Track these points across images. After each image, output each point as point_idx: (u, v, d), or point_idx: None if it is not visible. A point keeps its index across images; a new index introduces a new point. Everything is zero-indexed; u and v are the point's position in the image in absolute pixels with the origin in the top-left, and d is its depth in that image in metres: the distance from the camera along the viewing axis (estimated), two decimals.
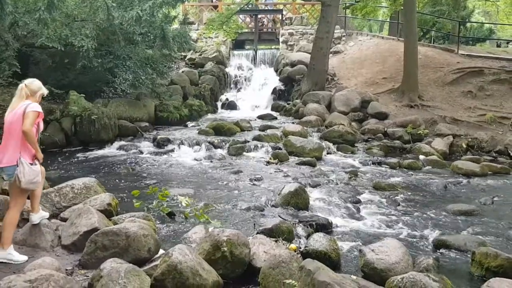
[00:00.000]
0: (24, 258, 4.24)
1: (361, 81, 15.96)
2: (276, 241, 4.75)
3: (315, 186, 7.52)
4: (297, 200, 6.26)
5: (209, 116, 15.31)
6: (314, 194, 6.98)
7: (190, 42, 12.94)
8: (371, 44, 18.79)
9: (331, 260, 4.55)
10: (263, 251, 4.43)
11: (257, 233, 5.07)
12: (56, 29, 9.49)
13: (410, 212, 6.50)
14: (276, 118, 14.36)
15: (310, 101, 13.76)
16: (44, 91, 4.57)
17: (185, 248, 3.82)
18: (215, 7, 21.43)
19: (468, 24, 27.71)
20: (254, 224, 5.34)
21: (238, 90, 18.20)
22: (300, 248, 4.81)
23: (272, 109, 16.11)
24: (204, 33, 19.02)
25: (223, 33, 18.08)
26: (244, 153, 9.99)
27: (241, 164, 9.14)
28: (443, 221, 6.13)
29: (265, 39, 21.36)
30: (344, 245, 5.10)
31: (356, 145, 11.13)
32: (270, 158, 9.48)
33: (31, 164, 4.23)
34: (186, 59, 18.54)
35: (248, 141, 10.59)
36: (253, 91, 17.92)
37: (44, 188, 5.93)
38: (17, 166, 4.14)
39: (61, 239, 4.74)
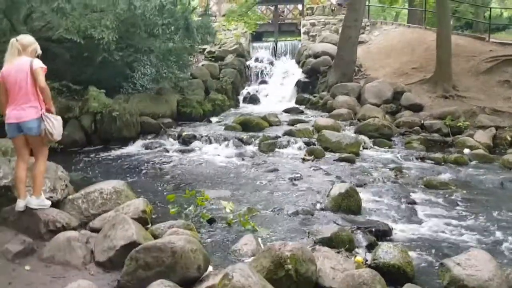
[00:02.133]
0: (48, 203, 4.68)
1: (390, 72, 15.16)
2: (338, 252, 4.09)
3: (361, 185, 6.82)
4: (349, 203, 5.59)
5: (232, 110, 14.67)
6: (363, 195, 6.25)
7: (213, 33, 12.23)
8: (396, 34, 17.94)
9: (407, 275, 3.89)
10: (329, 266, 3.78)
11: (315, 243, 4.41)
12: (74, 20, 8.87)
13: (473, 214, 5.79)
14: (302, 112, 13.64)
15: (339, 93, 13.04)
16: (37, 47, 4.52)
17: (246, 268, 3.18)
18: None
19: (486, 13, 26.71)
20: (308, 233, 4.68)
21: (260, 84, 17.51)
22: (367, 260, 4.14)
23: (297, 103, 15.38)
24: (223, 25, 18.31)
25: (243, 25, 17.38)
26: (276, 149, 9.31)
27: (275, 161, 8.47)
28: None
29: (285, 31, 20.57)
30: (414, 256, 4.41)
31: (392, 139, 10.40)
32: (305, 155, 8.81)
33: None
34: (205, 52, 17.88)
35: (279, 137, 9.92)
36: (275, 84, 17.20)
37: (69, 193, 5.41)
38: (41, 120, 4.36)
39: (94, 254, 4.14)
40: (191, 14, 11.57)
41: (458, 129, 10.66)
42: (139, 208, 4.99)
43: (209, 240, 4.62)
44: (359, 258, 4.12)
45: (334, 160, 8.51)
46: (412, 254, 4.39)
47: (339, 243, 4.40)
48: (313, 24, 19.06)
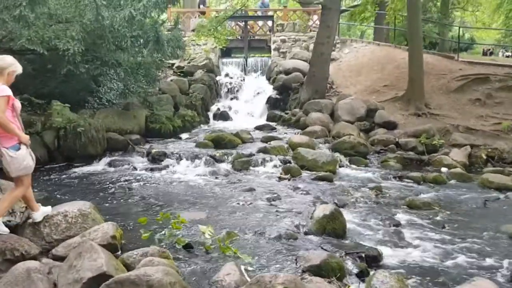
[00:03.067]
0: (6, 230, 4.25)
1: (361, 89, 15.21)
2: (329, 282, 3.79)
3: (342, 206, 6.58)
4: (334, 225, 5.33)
5: (202, 127, 14.30)
6: (345, 216, 5.96)
7: (183, 47, 11.90)
8: (367, 51, 18.11)
9: None
10: None
11: (303, 271, 4.10)
12: (38, 30, 8.36)
13: (461, 236, 5.63)
14: (275, 129, 13.41)
15: (312, 110, 12.91)
16: (17, 68, 4.19)
17: None
18: (203, 13, 20.52)
19: (449, 33, 27.63)
20: (296, 260, 4.36)
21: (230, 100, 17.23)
22: None
23: (268, 119, 15.15)
24: (192, 40, 18.03)
25: (214, 40, 17.12)
26: (251, 167, 9.00)
27: (250, 180, 8.16)
28: (507, 247, 5.27)
29: (255, 47, 20.45)
30: (411, 285, 4.16)
31: (368, 157, 10.29)
32: (281, 173, 8.55)
33: (17, 148, 4.11)
34: (174, 67, 17.48)
35: (254, 154, 9.61)
36: (246, 101, 16.96)
37: (29, 217, 4.90)
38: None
39: (57, 287, 3.67)
40: (161, 26, 11.24)
41: (433, 147, 10.67)
42: (108, 233, 4.56)
43: (187, 269, 4.21)
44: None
45: (311, 179, 8.29)
46: (408, 282, 4.14)
47: (329, 271, 4.10)
48: (283, 41, 19.01)
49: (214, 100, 17.15)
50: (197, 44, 18.68)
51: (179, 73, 17.26)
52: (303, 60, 17.18)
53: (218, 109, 16.45)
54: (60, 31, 9.03)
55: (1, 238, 4.16)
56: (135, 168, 9.04)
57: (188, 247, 4.77)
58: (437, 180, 8.52)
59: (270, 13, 20.46)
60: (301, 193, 7.30)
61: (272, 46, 19.02)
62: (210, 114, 16.26)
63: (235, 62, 19.15)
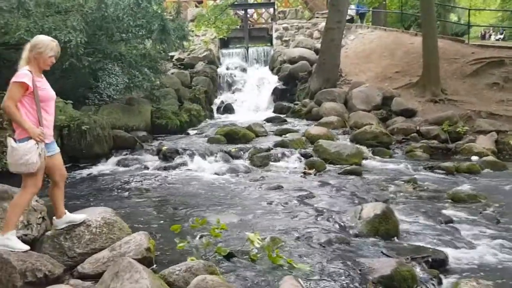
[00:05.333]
0: (24, 247, 3.65)
1: (372, 77, 14.70)
2: None
3: (383, 202, 6.06)
4: (387, 226, 4.81)
5: (208, 121, 13.74)
6: None
7: (188, 37, 11.29)
8: (373, 37, 17.60)
9: None
10: None
11: (373, 283, 3.59)
12: (37, 20, 7.72)
13: None
14: (285, 121, 12.88)
15: (325, 100, 12.40)
16: (43, 49, 3.61)
17: None
18: (200, 2, 19.87)
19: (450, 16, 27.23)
20: (360, 270, 3.83)
21: (233, 92, 16.66)
22: None
23: (275, 111, 14.66)
24: (191, 30, 17.33)
25: (214, 30, 16.51)
26: (271, 162, 8.47)
27: (273, 177, 7.64)
28: None
29: (256, 36, 19.85)
30: None
31: (390, 147, 9.81)
32: (305, 168, 8.02)
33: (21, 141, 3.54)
34: (173, 60, 16.86)
35: (272, 148, 9.08)
36: (250, 93, 16.43)
37: (46, 229, 4.34)
38: None
39: None
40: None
41: (457, 135, 10.23)
42: (142, 245, 3.99)
43: (238, 285, 3.67)
44: None
45: (338, 173, 7.80)
46: None
47: (401, 281, 3.61)
48: (286, 29, 18.45)
49: (217, 92, 16.60)
50: (196, 35, 18.02)
51: (179, 66, 16.66)
52: (308, 48, 16.67)
53: (222, 102, 15.93)
54: (60, 21, 8.40)
55: (20, 256, 3.58)
56: (146, 167, 8.49)
57: (230, 256, 4.22)
58: (471, 170, 8.05)
59: (271, 0, 19.80)
60: (333, 190, 6.78)
61: (274, 35, 18.46)
62: (214, 107, 15.73)
63: (236, 53, 18.58)
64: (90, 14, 8.66)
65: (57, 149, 3.91)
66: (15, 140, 3.59)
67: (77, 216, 4.10)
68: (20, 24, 7.51)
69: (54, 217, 4.05)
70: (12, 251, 3.57)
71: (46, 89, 3.68)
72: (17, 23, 7.66)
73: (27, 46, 3.67)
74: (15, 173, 3.64)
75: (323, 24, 15.36)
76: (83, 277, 3.79)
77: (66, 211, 4.05)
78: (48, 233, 4.17)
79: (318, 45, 15.94)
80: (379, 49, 16.38)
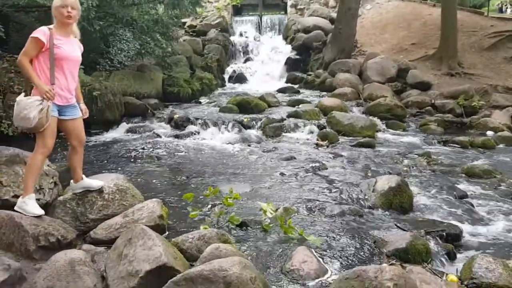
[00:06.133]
0: (39, 212, 3.59)
1: (387, 48, 14.38)
2: (433, 273, 3.23)
3: (397, 175, 5.98)
4: (401, 199, 4.74)
5: (220, 90, 13.60)
6: None
7: (202, 3, 11.04)
8: (390, 7, 17.14)
9: None
10: None
11: (387, 256, 3.54)
12: None
13: None
14: (298, 92, 12.70)
15: (339, 71, 12.17)
16: (61, 1, 3.51)
17: None
18: None
19: None
20: (374, 242, 3.78)
21: (246, 61, 16.41)
22: (461, 280, 3.29)
23: (288, 81, 14.43)
24: None
25: None
26: (283, 133, 8.39)
27: (286, 147, 7.56)
28: None
29: (270, 4, 19.39)
30: None
31: (404, 120, 9.65)
32: (318, 139, 7.92)
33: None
34: (185, 26, 16.59)
35: (285, 119, 8.97)
36: (263, 62, 16.16)
37: (59, 194, 4.33)
38: None
39: (107, 281, 3.11)
40: None
41: (472, 109, 10.03)
42: (155, 212, 3.97)
43: (251, 254, 3.64)
44: (452, 276, 3.26)
45: (352, 146, 7.70)
46: None
47: (415, 254, 3.55)
48: None
49: (229, 61, 16.37)
50: (208, 1, 17.67)
51: (191, 33, 16.40)
52: (323, 17, 16.29)
53: (234, 71, 15.71)
54: None
55: (32, 221, 3.58)
56: (158, 135, 8.44)
57: (242, 226, 4.20)
58: (486, 145, 7.92)
59: None
60: (346, 162, 6.69)
61: (289, 3, 18.03)
62: (226, 76, 15.54)
63: (249, 21, 18.23)
64: None
65: (78, 114, 3.83)
66: (25, 96, 3.52)
67: (94, 183, 4.07)
68: None
69: (71, 181, 4.03)
70: (25, 215, 3.57)
71: (63, 48, 3.55)
72: None
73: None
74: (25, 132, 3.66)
75: None
76: (96, 242, 3.79)
77: (83, 176, 4.01)
78: (60, 198, 4.16)
79: (334, 14, 15.58)
80: (395, 20, 15.96)
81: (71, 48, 3.63)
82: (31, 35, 3.45)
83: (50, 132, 3.56)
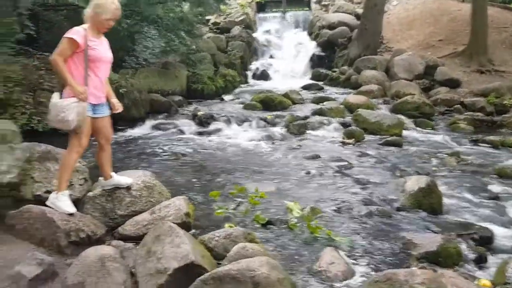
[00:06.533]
0: (70, 210, 3.65)
1: (414, 44, 14.15)
2: (466, 278, 3.17)
3: (425, 175, 5.88)
4: (431, 200, 4.67)
5: (243, 87, 13.60)
6: None
7: (226, 1, 11.07)
8: (417, 3, 16.82)
9: None
10: None
11: (417, 259, 3.50)
12: None
13: None
14: (322, 88, 12.61)
15: (365, 68, 12.04)
16: (107, 13, 3.55)
17: None
18: None
19: None
20: (404, 244, 3.73)
21: (269, 58, 16.37)
22: (494, 284, 3.23)
23: (312, 78, 14.33)
24: None
25: None
26: (308, 131, 8.35)
27: (310, 145, 7.52)
28: None
29: (293, 0, 19.25)
30: None
31: (432, 118, 9.49)
32: (344, 138, 7.86)
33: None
34: (209, 23, 16.64)
35: (309, 117, 8.94)
36: (287, 59, 16.09)
37: (88, 190, 4.39)
38: None
39: (136, 278, 3.16)
40: None
41: (503, 107, 9.79)
42: (182, 210, 4.01)
43: (277, 254, 3.64)
44: (485, 281, 3.21)
45: (378, 144, 7.61)
46: None
47: (446, 258, 3.50)
48: None
49: (252, 58, 16.35)
50: None
51: (215, 30, 16.45)
52: (348, 13, 16.13)
53: (257, 68, 15.67)
54: None
55: (64, 216, 3.65)
56: (182, 132, 8.51)
57: (268, 225, 4.20)
58: None
59: None
60: (373, 161, 6.63)
61: None
62: (249, 74, 15.53)
63: (273, 17, 18.14)
64: None
65: (107, 112, 3.88)
66: (60, 96, 3.56)
67: (123, 180, 4.12)
68: None
69: (100, 177, 4.11)
70: (56, 211, 3.65)
71: (98, 50, 3.60)
72: None
73: (91, 4, 3.62)
74: (56, 129, 3.66)
75: None
76: (124, 238, 3.85)
77: (113, 173, 4.08)
78: (90, 194, 4.23)
79: (359, 10, 15.41)
80: (422, 16, 15.68)
81: (104, 49, 3.69)
82: (66, 35, 3.49)
83: (86, 132, 3.63)
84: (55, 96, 3.57)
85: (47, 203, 3.67)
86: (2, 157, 3.87)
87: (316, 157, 6.75)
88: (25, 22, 7.45)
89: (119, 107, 4.01)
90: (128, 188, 4.22)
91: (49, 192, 3.96)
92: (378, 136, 8.05)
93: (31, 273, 3.05)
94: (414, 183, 4.80)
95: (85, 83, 3.56)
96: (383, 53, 13.43)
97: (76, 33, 3.49)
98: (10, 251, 3.42)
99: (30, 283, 3.02)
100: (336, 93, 11.77)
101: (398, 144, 7.51)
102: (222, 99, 11.44)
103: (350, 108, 9.37)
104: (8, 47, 8.22)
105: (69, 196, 3.74)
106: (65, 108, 3.47)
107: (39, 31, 9.09)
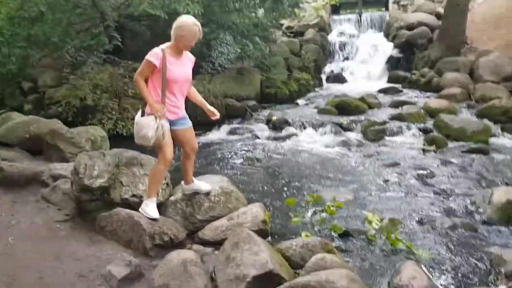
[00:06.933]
0: (154, 216, 3.89)
1: (502, 45, 13.22)
2: None
3: None
4: None
5: (317, 91, 13.52)
6: None
7: (301, 5, 11.10)
8: (504, 0, 15.78)
9: None
10: None
11: (506, 276, 3.31)
12: None
13: None
14: (401, 92, 12.21)
15: (447, 70, 11.49)
16: (191, 36, 3.72)
17: None
18: None
19: None
20: (491, 261, 3.55)
21: (344, 60, 16.14)
22: None
23: (390, 81, 13.89)
24: None
25: None
26: (386, 137, 8.13)
27: (389, 152, 7.33)
28: None
29: (370, 1, 18.84)
30: None
31: None
32: (425, 144, 7.58)
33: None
34: (283, 28, 16.73)
35: (387, 122, 8.71)
36: (362, 61, 15.75)
37: (170, 194, 4.61)
38: None
39: (216, 283, 3.28)
40: None
41: None
42: (258, 217, 4.11)
43: (355, 265, 3.61)
44: None
45: (462, 151, 7.24)
46: None
47: None
48: None
49: (326, 61, 16.21)
50: (306, 1, 17.66)
51: (289, 34, 16.51)
52: (428, 13, 15.49)
53: (332, 71, 15.49)
54: None
55: (149, 220, 3.89)
56: (257, 137, 8.64)
57: (345, 235, 4.17)
58: None
59: None
60: (457, 169, 6.33)
61: None
62: (323, 77, 15.41)
63: (348, 19, 17.84)
64: None
65: (188, 124, 4.12)
66: (142, 114, 3.85)
67: (203, 186, 4.31)
68: None
69: (182, 182, 4.34)
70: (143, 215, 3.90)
71: (175, 71, 3.79)
72: None
73: (174, 24, 3.77)
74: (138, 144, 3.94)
75: None
76: (203, 242, 4.02)
77: (194, 179, 4.29)
78: (172, 198, 4.46)
79: (441, 10, 14.74)
80: (511, 13, 14.66)
81: (182, 69, 3.86)
82: (146, 57, 3.72)
83: (168, 145, 3.88)
84: (138, 114, 3.88)
85: (139, 209, 3.97)
86: (95, 163, 4.18)
87: (395, 164, 6.58)
88: (112, 33, 7.97)
89: (216, 114, 4.24)
90: (207, 193, 4.39)
91: (135, 196, 4.24)
92: (462, 143, 7.66)
93: (120, 274, 3.29)
94: (502, 194, 4.54)
95: (163, 100, 3.79)
96: (467, 54, 12.72)
97: (154, 55, 3.71)
98: (101, 251, 3.70)
99: (119, 283, 3.26)
100: (415, 96, 11.33)
101: (484, 152, 7.10)
102: (296, 103, 11.46)
103: (431, 112, 9.01)
104: (97, 57, 8.89)
105: (155, 203, 3.96)
106: (146, 125, 3.77)
107: (124, 41, 9.69)
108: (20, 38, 8.77)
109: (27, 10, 8.66)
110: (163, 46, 3.82)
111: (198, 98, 4.25)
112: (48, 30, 8.59)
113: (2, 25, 8.70)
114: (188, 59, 4.00)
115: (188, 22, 3.74)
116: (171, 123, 3.92)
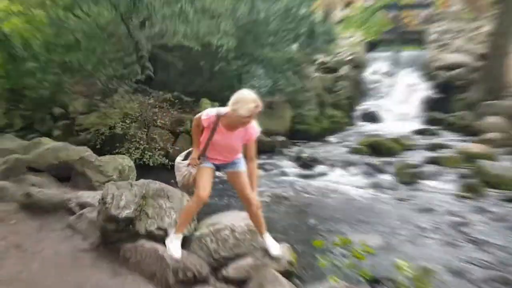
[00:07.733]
0: (176, 255, 3.94)
1: None
2: None
3: None
4: None
5: (350, 129, 13.59)
6: None
7: (336, 41, 11.34)
8: None
9: None
10: None
11: None
12: (193, 25, 8.47)
13: None
14: (437, 134, 12.17)
15: (487, 113, 11.42)
16: (244, 111, 3.61)
17: None
18: (348, 4, 19.76)
19: None
20: None
21: (379, 99, 16.22)
22: None
23: (426, 122, 13.88)
24: (338, 33, 17.35)
25: (362, 32, 16.30)
26: (420, 180, 8.08)
27: (422, 197, 7.28)
28: None
29: (408, 39, 19.03)
30: None
31: None
32: (461, 190, 7.49)
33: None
34: (317, 63, 17.03)
35: (421, 165, 8.67)
36: (398, 100, 15.81)
37: (195, 229, 4.70)
38: None
39: None
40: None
41: None
42: (285, 257, 4.15)
43: None
44: None
45: (501, 200, 7.11)
46: None
47: None
48: (443, 32, 17.40)
49: (360, 99, 16.33)
50: (342, 37, 17.99)
51: (322, 69, 16.77)
52: (468, 54, 15.52)
53: (366, 109, 15.60)
54: (213, 26, 9.08)
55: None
56: (285, 174, 8.74)
57: (373, 281, 4.15)
58: None
59: (427, 1, 18.84)
60: (494, 219, 6.22)
61: (430, 38, 17.53)
62: (357, 115, 15.50)
63: (384, 57, 18.03)
64: (242, 18, 9.21)
65: (235, 168, 4.18)
66: (186, 156, 4.23)
67: (271, 248, 4.21)
68: (178, 29, 8.28)
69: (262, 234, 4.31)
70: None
71: (220, 140, 3.91)
72: (175, 28, 8.45)
73: (233, 96, 3.68)
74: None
75: (487, 27, 14.19)
76: (226, 280, 4.06)
77: (267, 234, 4.28)
78: (197, 233, 4.55)
79: (480, 51, 14.76)
80: None
81: (227, 141, 3.93)
82: (202, 115, 3.89)
83: (202, 185, 4.01)
84: (179, 157, 4.24)
85: (166, 241, 4.11)
86: (123, 193, 4.35)
87: (428, 210, 6.52)
88: (146, 63, 8.33)
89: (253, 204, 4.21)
90: (232, 230, 4.47)
91: (160, 228, 4.36)
92: (502, 191, 7.53)
93: None
94: None
95: (204, 153, 4.03)
96: (510, 98, 12.64)
97: (206, 119, 3.87)
98: (124, 284, 3.80)
99: None
100: (452, 140, 11.26)
101: None
102: (328, 141, 11.56)
103: (469, 157, 8.91)
104: (128, 86, 9.26)
105: (180, 240, 4.11)
106: (177, 169, 4.21)
107: (155, 71, 10.09)
108: (54, 65, 9.25)
109: (63, 37, 9.17)
110: (224, 110, 3.80)
111: (252, 178, 4.21)
112: (82, 58, 9.04)
113: (39, 51, 9.20)
114: (239, 134, 3.93)
115: (245, 98, 3.63)
116: (217, 166, 4.15)
